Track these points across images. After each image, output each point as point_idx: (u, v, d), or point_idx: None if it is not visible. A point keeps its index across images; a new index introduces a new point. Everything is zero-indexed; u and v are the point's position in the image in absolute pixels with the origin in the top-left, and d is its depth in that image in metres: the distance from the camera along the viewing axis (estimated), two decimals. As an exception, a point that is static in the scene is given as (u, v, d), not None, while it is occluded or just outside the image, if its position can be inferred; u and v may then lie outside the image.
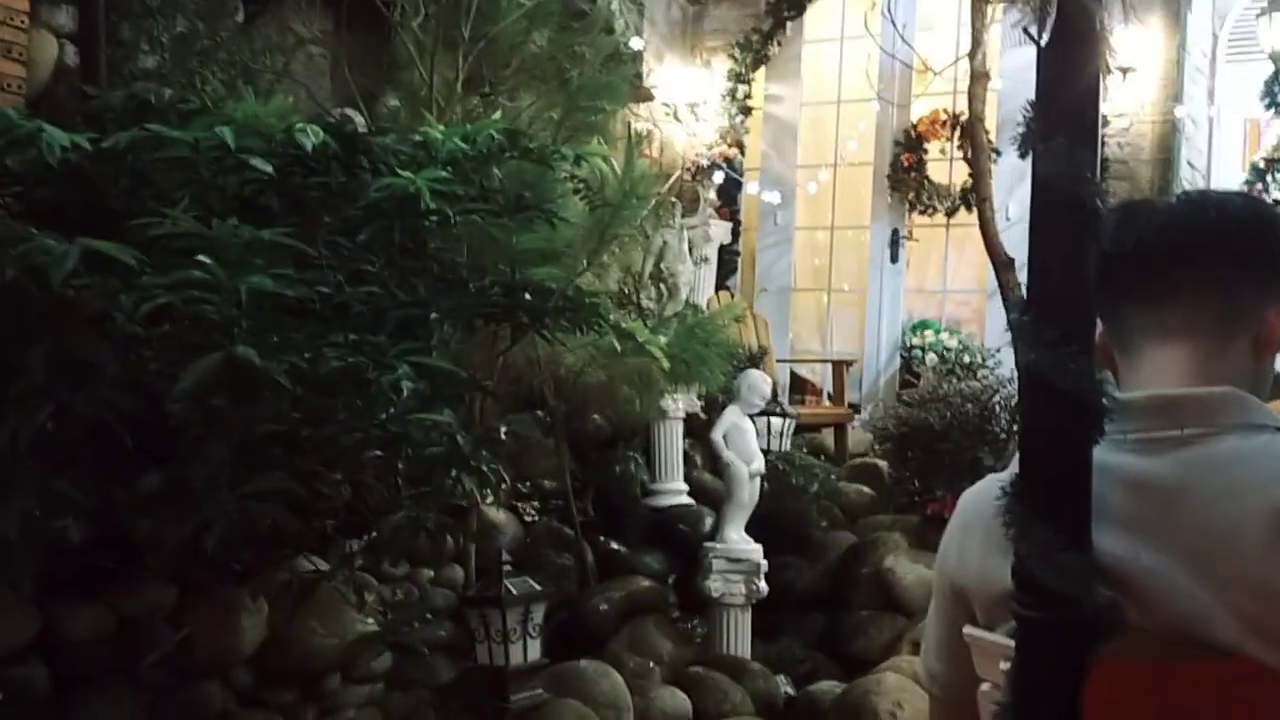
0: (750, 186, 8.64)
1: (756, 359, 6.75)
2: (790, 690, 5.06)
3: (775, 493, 5.76)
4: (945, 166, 8.40)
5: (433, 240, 3.46)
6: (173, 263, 2.49)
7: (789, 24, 8.57)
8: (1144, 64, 7.40)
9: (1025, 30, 1.05)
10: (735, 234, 8.51)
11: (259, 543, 2.90)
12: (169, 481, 2.56)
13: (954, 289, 8.63)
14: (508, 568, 4.13)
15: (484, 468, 3.04)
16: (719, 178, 8.13)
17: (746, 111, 8.58)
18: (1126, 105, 7.51)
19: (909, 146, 8.43)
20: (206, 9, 4.49)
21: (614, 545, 5.38)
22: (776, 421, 6.25)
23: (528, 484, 5.22)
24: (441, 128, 3.42)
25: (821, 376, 8.46)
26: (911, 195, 8.40)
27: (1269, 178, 7.11)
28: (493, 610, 4.02)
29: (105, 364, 2.44)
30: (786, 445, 6.35)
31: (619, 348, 4.00)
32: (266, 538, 2.83)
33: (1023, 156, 1.09)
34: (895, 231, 8.53)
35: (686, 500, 5.77)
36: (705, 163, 8.13)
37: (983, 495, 1.22)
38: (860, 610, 5.62)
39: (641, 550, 5.45)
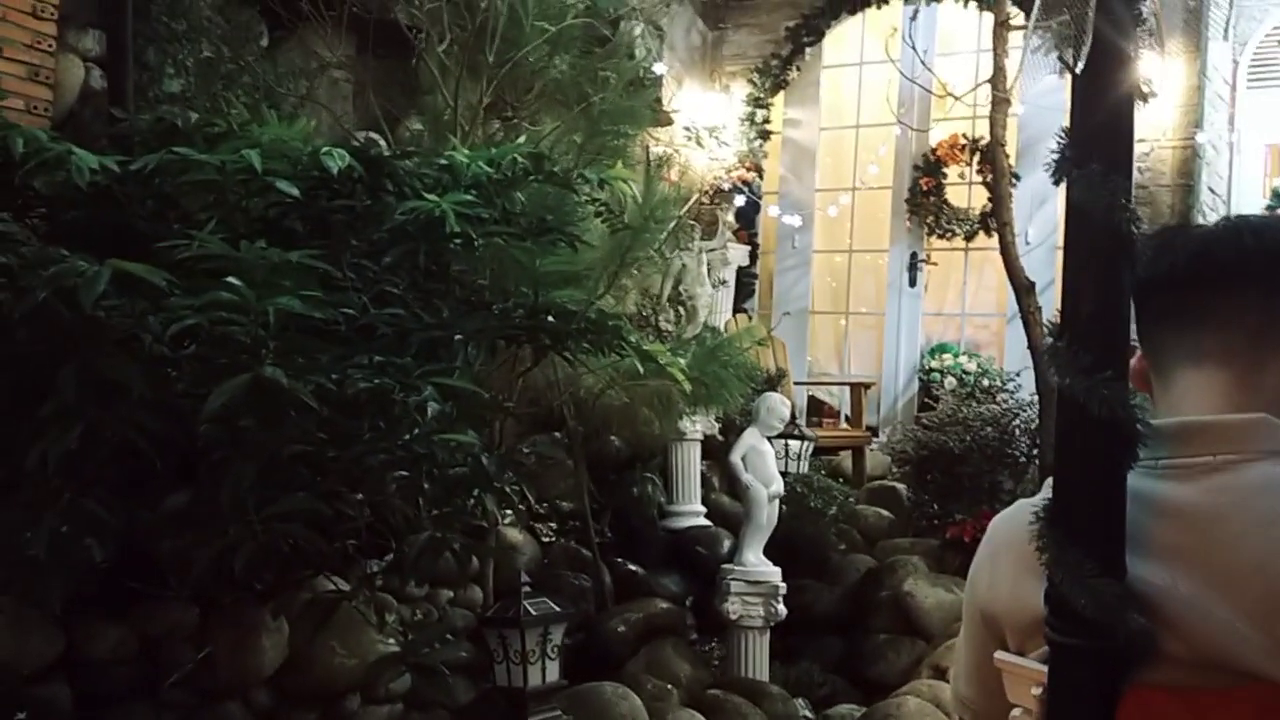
0: (769, 210, 8.66)
1: (775, 381, 6.75)
2: (809, 714, 5.05)
3: (793, 515, 5.76)
4: (964, 191, 8.42)
5: (456, 263, 3.48)
6: (200, 284, 2.51)
7: (808, 49, 8.61)
8: (1165, 90, 7.40)
9: (1059, 58, 1.05)
10: (753, 257, 8.54)
11: (281, 563, 2.91)
12: (195, 502, 2.58)
13: (972, 313, 8.62)
14: (527, 589, 4.13)
15: (507, 488, 3.04)
16: (738, 201, 8.16)
17: (765, 136, 8.61)
18: (1147, 131, 7.50)
19: (928, 171, 8.46)
20: (231, 34, 4.55)
21: (631, 567, 5.38)
22: (795, 444, 6.26)
23: (545, 505, 5.23)
24: (466, 151, 3.45)
25: (839, 399, 8.45)
26: (930, 219, 8.42)
27: (1291, 202, 7.11)
28: (512, 631, 4.02)
29: (133, 384, 2.45)
30: (805, 468, 6.36)
31: (641, 369, 4.00)
32: (289, 558, 2.84)
33: (1056, 183, 1.10)
34: (914, 255, 8.54)
35: (704, 522, 5.78)
36: (725, 186, 8.15)
37: (1014, 520, 1.22)
38: (879, 634, 5.60)
39: (659, 572, 5.46)
